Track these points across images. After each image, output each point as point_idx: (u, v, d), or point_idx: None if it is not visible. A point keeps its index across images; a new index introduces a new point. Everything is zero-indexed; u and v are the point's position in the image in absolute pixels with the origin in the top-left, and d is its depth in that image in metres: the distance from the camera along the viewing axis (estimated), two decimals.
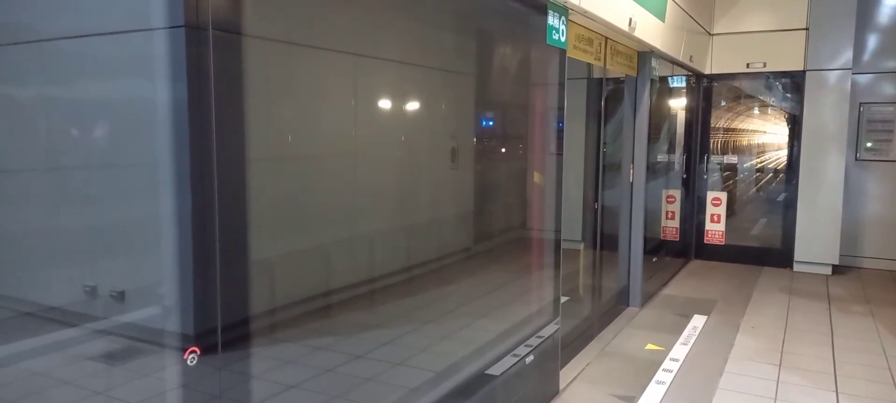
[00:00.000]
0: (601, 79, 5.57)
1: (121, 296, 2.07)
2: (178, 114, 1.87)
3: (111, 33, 2.02)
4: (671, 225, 7.63)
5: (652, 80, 6.17)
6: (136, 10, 2.00)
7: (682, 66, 7.18)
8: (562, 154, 4.26)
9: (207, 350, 1.92)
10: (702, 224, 8.43)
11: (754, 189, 9.22)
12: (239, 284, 2.12)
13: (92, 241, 2.10)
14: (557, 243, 4.27)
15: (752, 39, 7.91)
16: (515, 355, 3.78)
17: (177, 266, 1.95)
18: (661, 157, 7.28)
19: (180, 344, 1.93)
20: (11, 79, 2.07)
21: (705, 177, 8.54)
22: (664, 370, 4.70)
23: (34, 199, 2.11)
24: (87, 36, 2.03)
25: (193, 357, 1.87)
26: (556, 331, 4.24)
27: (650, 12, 5.32)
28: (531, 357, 3.90)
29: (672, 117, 7.62)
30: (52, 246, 2.12)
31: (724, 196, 8.33)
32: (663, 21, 5.75)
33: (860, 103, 7.93)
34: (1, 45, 2.05)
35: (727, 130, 9.66)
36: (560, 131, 4.26)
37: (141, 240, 2.08)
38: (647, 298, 6.52)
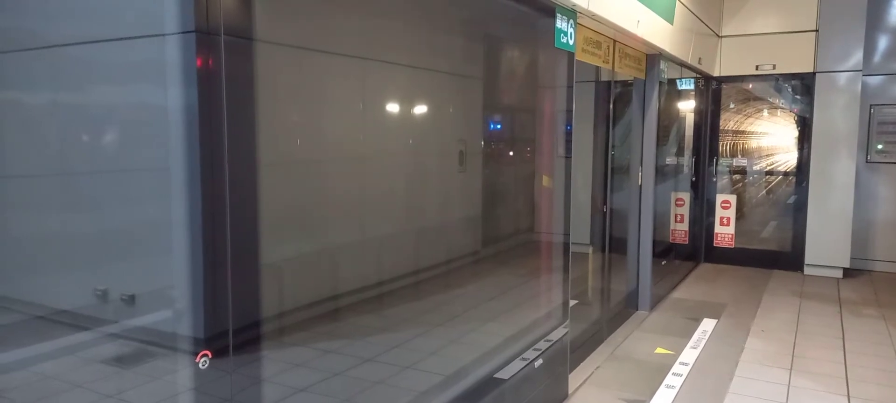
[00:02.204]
0: (609, 81, 5.56)
1: (131, 300, 2.08)
2: (190, 119, 1.88)
3: (122, 39, 2.04)
4: (680, 229, 7.60)
5: (660, 83, 6.15)
6: (147, 15, 2.01)
7: (690, 68, 7.15)
8: (570, 157, 4.25)
9: (218, 353, 1.92)
10: (711, 227, 8.39)
11: (764, 191, 9.17)
12: (250, 287, 2.13)
13: (104, 245, 2.12)
14: (566, 246, 4.26)
15: (762, 41, 7.87)
16: (524, 359, 3.77)
17: (188, 269, 1.96)
18: (670, 160, 7.25)
19: (192, 348, 1.94)
20: (24, 85, 2.08)
21: (714, 179, 8.50)
22: (674, 374, 4.67)
23: (47, 204, 2.13)
24: (98, 42, 2.05)
25: (205, 361, 1.88)
26: (565, 335, 4.22)
27: (658, 15, 5.31)
28: (540, 361, 3.89)
29: (681, 120, 7.59)
30: (64, 250, 2.14)
31: (733, 198, 8.29)
32: (672, 23, 5.73)
33: (871, 105, 7.87)
34: (13, 51, 2.06)
35: (736, 132, 9.61)
36: (568, 134, 4.25)
37: (153, 244, 2.09)
38: (656, 301, 6.49)
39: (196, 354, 1.88)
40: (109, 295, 2.08)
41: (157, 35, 1.97)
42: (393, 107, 3.26)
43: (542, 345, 3.96)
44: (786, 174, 8.86)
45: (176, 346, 2.02)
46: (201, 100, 1.86)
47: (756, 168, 9.36)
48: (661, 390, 4.38)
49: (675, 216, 7.52)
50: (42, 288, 2.13)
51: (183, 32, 1.91)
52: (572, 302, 4.37)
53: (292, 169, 2.59)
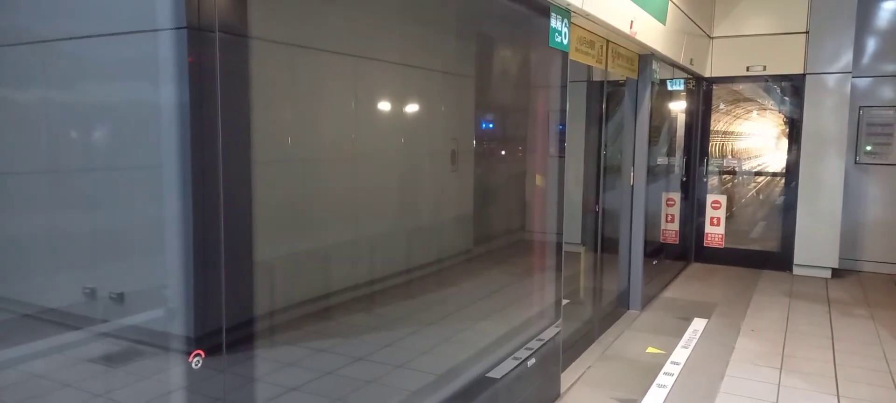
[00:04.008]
0: (602, 81, 5.57)
1: (120, 298, 2.06)
2: (182, 117, 1.86)
3: (114, 34, 2.01)
4: (671, 228, 7.63)
5: (652, 83, 6.17)
6: (140, 11, 1.99)
7: (682, 69, 7.18)
8: (563, 156, 4.25)
9: (211, 351, 1.90)
10: (701, 227, 8.43)
11: (754, 192, 9.22)
12: (242, 286, 2.11)
13: (96, 244, 2.09)
14: (559, 246, 4.26)
15: (753, 42, 7.91)
16: (516, 358, 3.77)
17: (181, 268, 1.94)
18: (662, 160, 7.28)
19: (183, 347, 1.92)
20: (15, 81, 2.06)
21: (705, 180, 8.54)
22: (665, 373, 4.69)
23: (38, 202, 2.10)
24: (90, 37, 2.02)
25: (198, 361, 1.86)
26: (557, 334, 4.23)
27: (651, 15, 5.32)
28: (532, 361, 3.89)
29: (672, 120, 7.62)
30: (55, 248, 2.11)
31: (723, 199, 8.33)
32: (664, 24, 5.75)
33: (860, 106, 7.93)
34: (4, 47, 2.04)
35: (727, 133, 9.66)
36: (562, 134, 4.25)
37: (146, 243, 2.07)
38: (647, 301, 6.51)
39: (187, 353, 1.86)
40: (98, 294, 2.06)
41: (148, 31, 1.95)
42: (385, 106, 3.25)
43: (535, 344, 3.96)
44: (775, 175, 8.91)
45: (167, 345, 2.00)
46: (194, 98, 1.84)
47: (746, 168, 9.41)
48: (653, 389, 4.39)
49: (666, 216, 7.55)
50: (30, 286, 2.11)
51: (175, 28, 1.88)
52: (564, 302, 4.37)
53: (284, 167, 2.57)
